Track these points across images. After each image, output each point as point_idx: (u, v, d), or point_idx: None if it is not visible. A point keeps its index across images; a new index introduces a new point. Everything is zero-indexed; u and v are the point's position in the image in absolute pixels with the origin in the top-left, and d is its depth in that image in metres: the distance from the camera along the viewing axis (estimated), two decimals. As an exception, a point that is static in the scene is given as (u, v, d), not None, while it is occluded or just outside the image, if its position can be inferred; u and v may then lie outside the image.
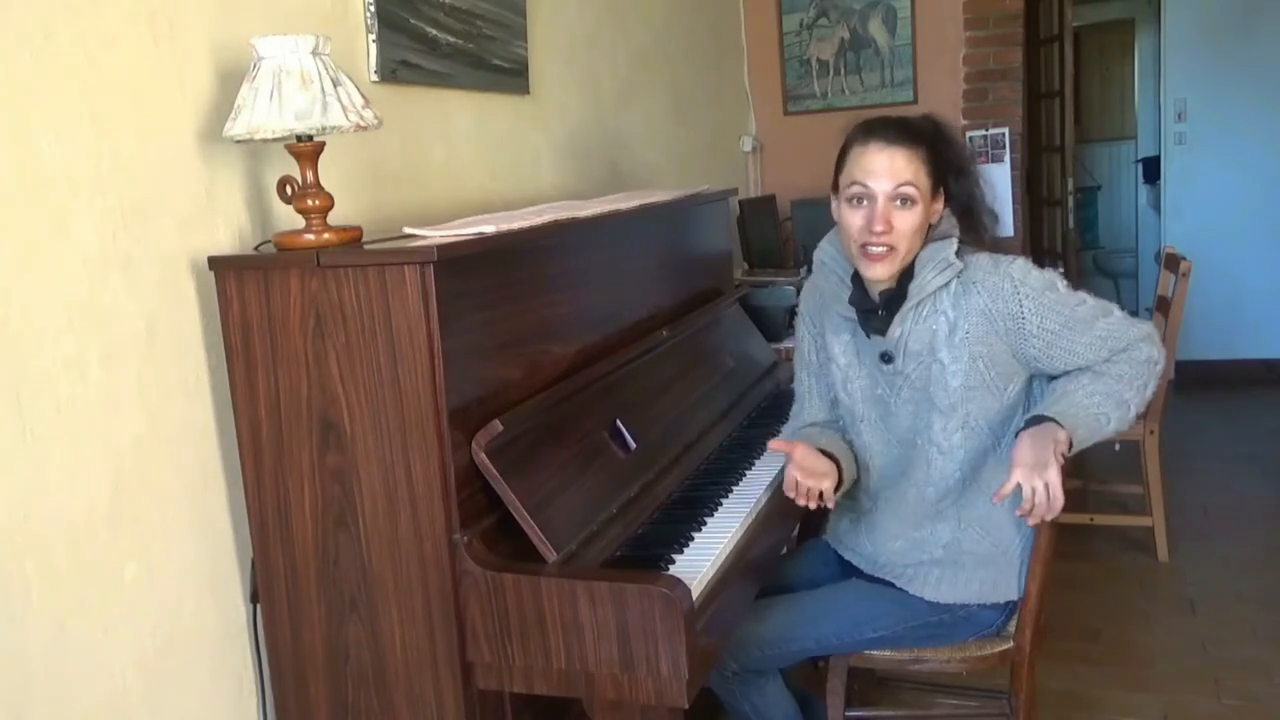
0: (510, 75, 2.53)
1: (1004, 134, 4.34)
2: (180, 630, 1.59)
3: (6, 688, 1.34)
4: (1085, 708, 2.61)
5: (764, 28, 4.58)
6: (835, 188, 1.81)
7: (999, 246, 1.87)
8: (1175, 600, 3.18)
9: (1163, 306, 3.46)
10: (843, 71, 4.51)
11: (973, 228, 1.84)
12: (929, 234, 1.80)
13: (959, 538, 1.84)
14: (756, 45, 4.61)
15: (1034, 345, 1.75)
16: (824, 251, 1.91)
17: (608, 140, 3.13)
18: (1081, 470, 3.84)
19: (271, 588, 1.63)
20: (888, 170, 1.72)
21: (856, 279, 1.85)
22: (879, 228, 1.71)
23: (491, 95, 2.48)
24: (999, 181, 4.35)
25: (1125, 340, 1.76)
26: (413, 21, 2.15)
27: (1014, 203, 4.37)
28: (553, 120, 2.78)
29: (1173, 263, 3.37)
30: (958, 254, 1.77)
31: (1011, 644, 1.90)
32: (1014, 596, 1.87)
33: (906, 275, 1.78)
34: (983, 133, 4.36)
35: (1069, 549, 3.37)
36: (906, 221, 1.73)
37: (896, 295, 1.79)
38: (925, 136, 1.77)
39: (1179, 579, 3.31)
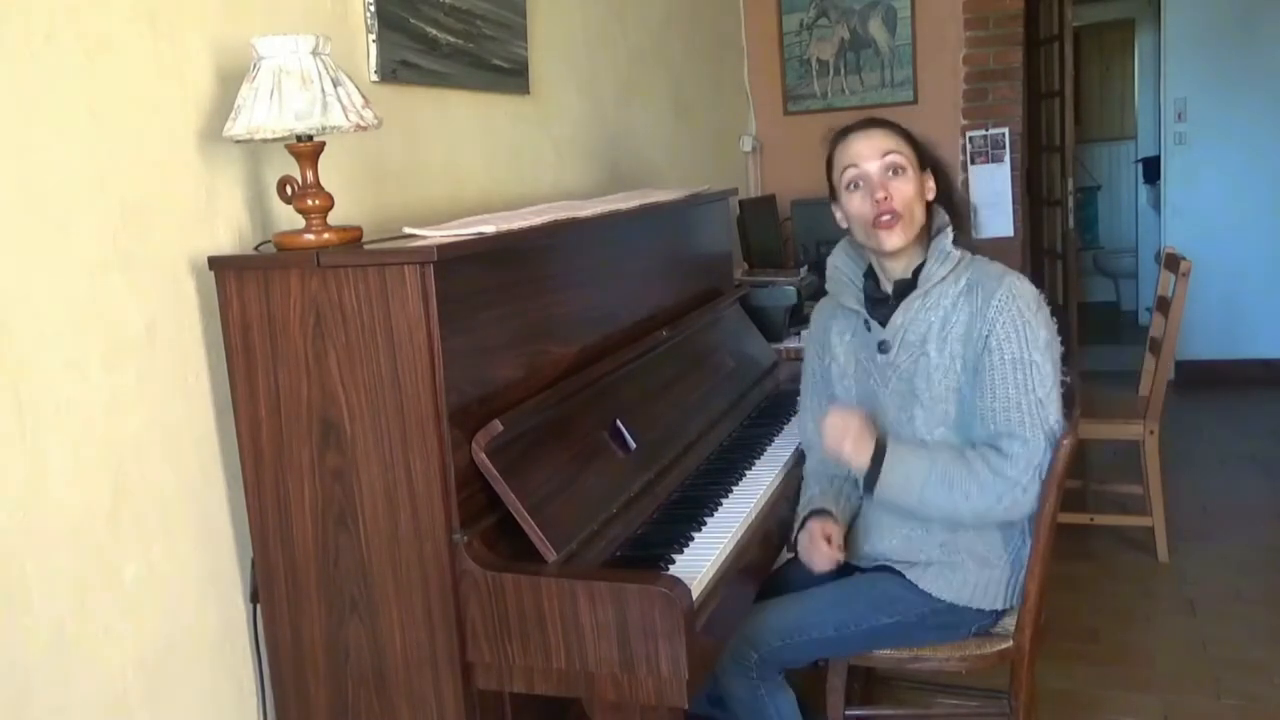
0: (510, 75, 2.53)
1: (1004, 134, 4.34)
2: (180, 630, 1.59)
3: (6, 688, 1.34)
4: (1085, 708, 2.61)
5: (764, 28, 4.58)
6: (833, 194, 1.92)
7: (977, 244, 1.99)
8: (1175, 600, 3.18)
9: (1163, 306, 3.46)
10: (843, 71, 4.51)
11: (955, 216, 1.93)
12: (931, 215, 1.89)
13: (954, 538, 1.86)
14: (756, 45, 4.61)
15: (984, 361, 1.79)
16: (836, 258, 2.03)
17: (608, 140, 3.13)
18: (1081, 470, 3.84)
19: (271, 588, 1.63)
20: (872, 148, 1.86)
21: (870, 275, 1.96)
22: (880, 194, 1.83)
23: (491, 95, 2.48)
24: (999, 181, 4.37)
25: (1021, 436, 1.76)
26: (413, 21, 2.15)
27: (1014, 203, 4.37)
28: (553, 120, 2.78)
29: (1173, 263, 3.38)
30: (956, 244, 1.87)
31: (1011, 643, 1.90)
32: (1000, 606, 1.90)
33: (919, 267, 1.87)
34: (983, 133, 4.36)
35: (1069, 549, 3.37)
36: (903, 188, 1.84)
37: (909, 286, 1.88)
38: (895, 124, 1.92)
39: (1179, 579, 3.31)
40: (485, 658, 1.54)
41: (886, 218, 1.82)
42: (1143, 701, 2.63)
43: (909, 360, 1.86)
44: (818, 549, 1.86)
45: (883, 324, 1.90)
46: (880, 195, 1.82)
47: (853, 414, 1.83)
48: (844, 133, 1.91)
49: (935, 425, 1.84)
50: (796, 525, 1.94)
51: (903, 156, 1.85)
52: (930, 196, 1.90)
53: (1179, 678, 2.73)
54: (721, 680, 1.89)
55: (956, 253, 1.86)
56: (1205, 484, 4.10)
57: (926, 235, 1.89)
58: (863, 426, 1.82)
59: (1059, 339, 1.84)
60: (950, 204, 1.94)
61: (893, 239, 1.83)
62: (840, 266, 2.00)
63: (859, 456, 1.81)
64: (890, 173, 1.84)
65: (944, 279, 1.84)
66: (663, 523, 1.83)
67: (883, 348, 1.90)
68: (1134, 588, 3.28)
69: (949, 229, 1.88)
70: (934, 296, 1.85)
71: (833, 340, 2.02)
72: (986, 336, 1.79)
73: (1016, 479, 1.76)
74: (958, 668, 1.92)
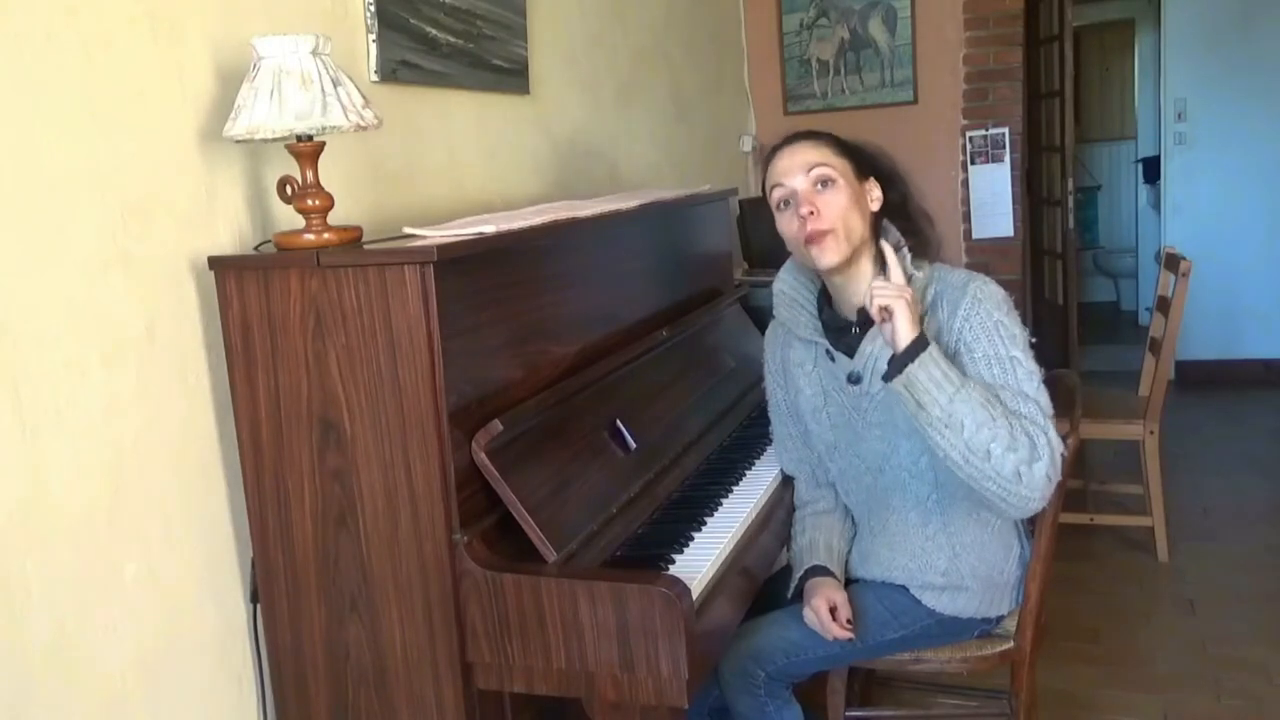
0: (510, 75, 2.53)
1: (1004, 134, 4.34)
2: (180, 630, 1.59)
3: (6, 688, 1.34)
4: (1085, 708, 2.61)
5: (764, 28, 4.58)
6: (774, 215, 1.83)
7: (932, 255, 1.84)
8: (1175, 600, 3.18)
9: (1163, 306, 3.46)
10: (843, 71, 4.51)
11: (915, 231, 1.83)
12: (879, 229, 1.79)
13: (955, 565, 1.83)
14: (756, 45, 4.61)
15: (955, 363, 1.69)
16: (782, 281, 1.93)
17: (608, 140, 3.13)
18: (1081, 470, 3.84)
19: (271, 588, 1.63)
20: (796, 163, 1.76)
21: (826, 298, 1.86)
22: (805, 210, 1.73)
23: (491, 95, 2.48)
24: (999, 181, 4.37)
25: (1024, 414, 1.66)
26: (413, 21, 2.15)
27: (1014, 203, 4.37)
28: (553, 120, 2.78)
29: (1173, 263, 3.38)
30: (919, 266, 1.77)
31: (1012, 644, 1.90)
32: (1004, 611, 1.91)
33: None
34: (983, 133, 4.36)
35: (1069, 549, 3.37)
36: (833, 201, 1.73)
37: None
38: (826, 133, 1.82)
39: (1179, 579, 3.31)
40: (485, 658, 1.54)
41: (817, 233, 1.72)
42: (1143, 701, 2.63)
43: (886, 389, 1.73)
44: (828, 630, 1.79)
45: (848, 353, 1.81)
46: (805, 210, 1.72)
47: (904, 286, 1.65)
48: (774, 150, 1.81)
49: (920, 453, 1.77)
50: (794, 579, 1.90)
51: (830, 168, 1.74)
52: (875, 207, 1.80)
53: (1179, 678, 2.73)
54: (727, 696, 1.88)
55: (920, 274, 1.75)
56: (1205, 484, 4.10)
57: (877, 250, 1.78)
58: (911, 300, 1.64)
59: (1032, 340, 1.75)
60: (906, 215, 1.84)
61: (826, 255, 1.73)
62: (788, 291, 1.91)
63: (906, 328, 1.61)
64: (818, 185, 1.74)
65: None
66: (663, 523, 1.83)
67: (853, 378, 1.81)
68: (1134, 588, 3.28)
69: (904, 248, 1.77)
70: None
71: (793, 371, 1.92)
72: (955, 344, 1.71)
73: (1038, 445, 1.63)
74: (959, 669, 1.92)
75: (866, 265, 1.79)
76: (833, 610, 1.80)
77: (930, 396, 1.62)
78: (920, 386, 1.62)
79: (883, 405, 1.78)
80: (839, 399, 1.86)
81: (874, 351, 1.77)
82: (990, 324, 1.70)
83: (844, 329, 1.83)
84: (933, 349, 1.63)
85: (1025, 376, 1.69)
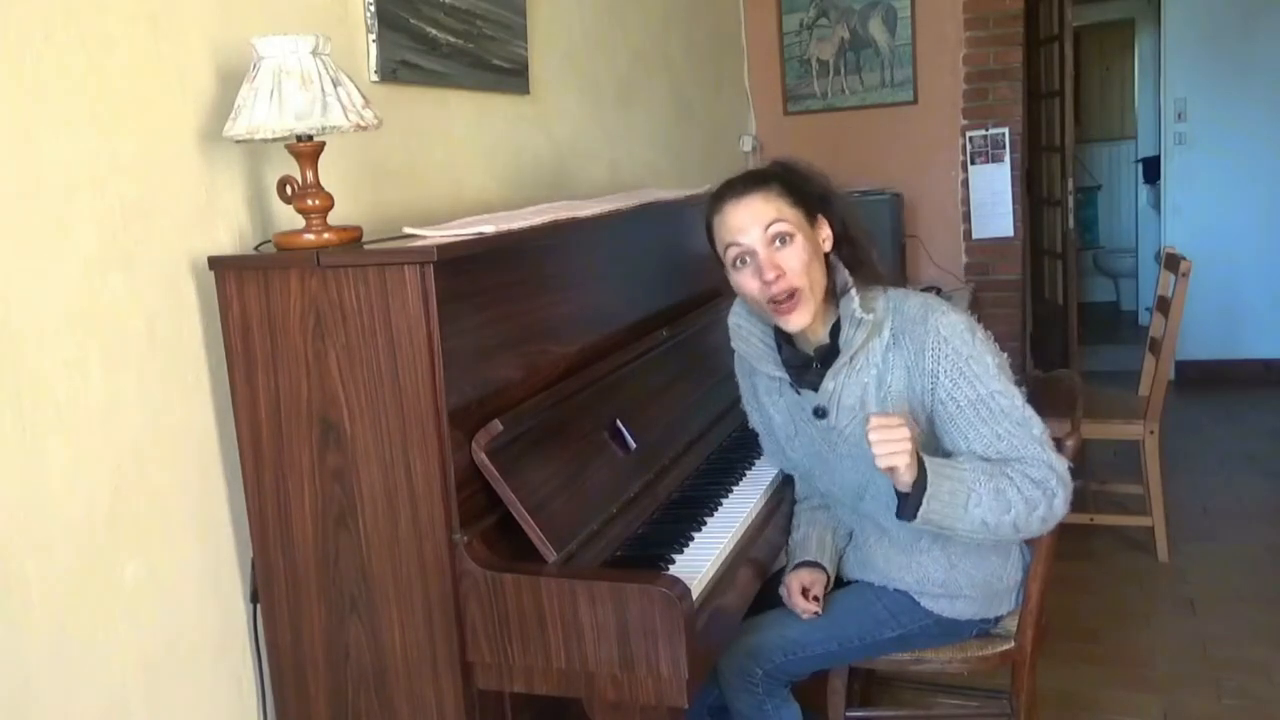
0: (510, 75, 2.53)
1: (1004, 134, 4.34)
2: (180, 630, 1.59)
3: (6, 688, 1.34)
4: (1085, 708, 2.61)
5: (764, 28, 4.58)
6: (721, 263, 1.79)
7: (880, 275, 1.80)
8: (1175, 600, 3.18)
9: (1163, 306, 3.46)
10: (843, 71, 4.51)
11: (858, 259, 1.79)
12: (832, 269, 1.76)
13: (953, 575, 1.83)
14: (756, 45, 4.61)
15: (939, 412, 1.69)
16: (737, 315, 1.89)
17: (608, 140, 3.13)
18: (1081, 470, 3.84)
19: (271, 588, 1.63)
20: (750, 219, 1.70)
21: (782, 334, 1.83)
22: (769, 275, 1.68)
23: (491, 95, 2.48)
24: (999, 181, 4.37)
25: (1023, 453, 1.66)
26: (413, 21, 2.15)
27: (1014, 203, 4.37)
28: (553, 120, 2.78)
29: (1173, 263, 3.38)
30: (870, 306, 1.73)
31: (1012, 644, 1.91)
32: (1004, 611, 1.91)
33: (836, 329, 1.76)
34: (983, 133, 4.36)
35: (1069, 549, 3.37)
36: (793, 258, 1.69)
37: (831, 350, 1.76)
38: (771, 175, 1.76)
39: (1179, 579, 3.31)
40: (485, 658, 1.54)
41: (784, 300, 1.68)
42: (1143, 701, 2.63)
43: (853, 423, 1.74)
44: (796, 604, 1.83)
45: (811, 388, 1.78)
46: (771, 275, 1.67)
47: (900, 421, 1.57)
48: (718, 200, 1.75)
49: None
50: (789, 568, 1.91)
51: (787, 222, 1.69)
52: (828, 248, 1.75)
53: (1179, 678, 2.73)
54: (726, 695, 1.88)
55: (869, 317, 1.70)
56: (1205, 484, 4.10)
57: (833, 290, 1.76)
58: (913, 436, 1.58)
59: (1003, 354, 1.72)
60: (849, 241, 1.78)
61: (795, 319, 1.71)
62: (744, 326, 1.87)
63: (910, 474, 1.58)
64: (776, 243, 1.69)
65: (867, 339, 1.71)
66: (663, 522, 1.83)
67: (819, 413, 1.78)
68: (1134, 588, 3.28)
69: (853, 289, 1.73)
70: (861, 358, 1.72)
71: (763, 400, 1.93)
72: (933, 389, 1.68)
73: (1049, 486, 1.65)
74: (959, 669, 1.92)
75: (821, 308, 1.75)
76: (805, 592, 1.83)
77: (951, 518, 1.63)
78: (940, 514, 1.62)
79: (852, 439, 1.76)
80: (808, 430, 1.85)
81: (837, 387, 1.75)
82: (962, 364, 1.67)
83: (804, 365, 1.81)
84: (931, 472, 1.59)
85: (1010, 406, 1.67)
